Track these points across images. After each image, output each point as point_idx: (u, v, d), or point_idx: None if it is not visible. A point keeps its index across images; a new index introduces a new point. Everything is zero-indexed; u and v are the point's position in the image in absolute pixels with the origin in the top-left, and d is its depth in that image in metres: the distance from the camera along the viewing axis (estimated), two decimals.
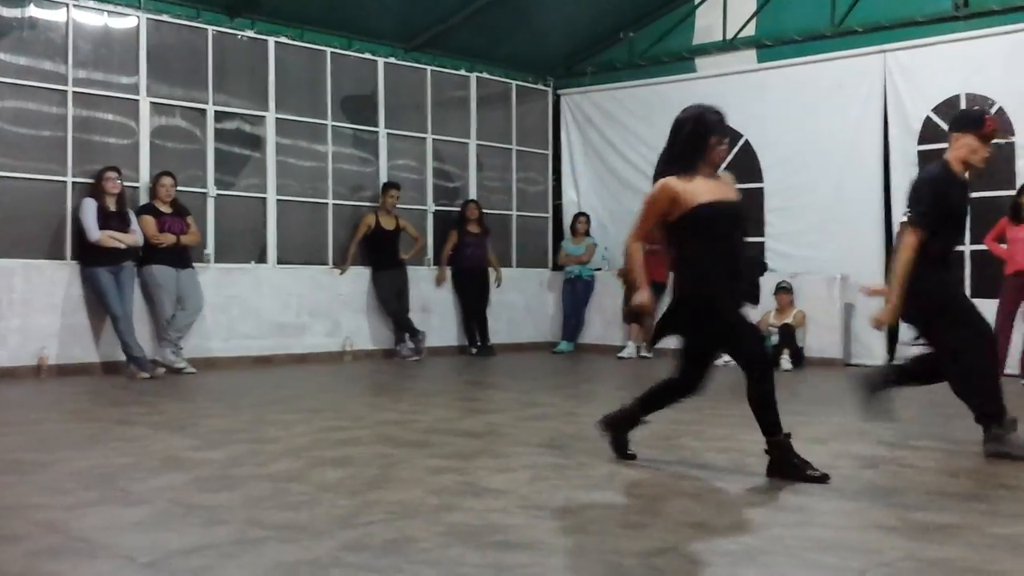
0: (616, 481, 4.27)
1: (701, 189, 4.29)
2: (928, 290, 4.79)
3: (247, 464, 4.60)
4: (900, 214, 9.29)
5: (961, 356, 4.77)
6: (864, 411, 5.28)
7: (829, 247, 10.01)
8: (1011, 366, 8.28)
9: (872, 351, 9.74)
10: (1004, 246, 8.50)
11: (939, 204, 4.77)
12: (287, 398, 7.14)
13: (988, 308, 8.30)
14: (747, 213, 4.57)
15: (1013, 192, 8.56)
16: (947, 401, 5.15)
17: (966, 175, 4.98)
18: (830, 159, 10.05)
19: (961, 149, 4.87)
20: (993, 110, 9.01)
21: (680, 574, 2.99)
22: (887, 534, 3.45)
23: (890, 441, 5.36)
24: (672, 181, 4.31)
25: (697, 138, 4.35)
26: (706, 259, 4.33)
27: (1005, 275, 8.40)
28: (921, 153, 9.53)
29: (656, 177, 4.41)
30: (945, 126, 9.33)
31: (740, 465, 4.58)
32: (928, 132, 9.51)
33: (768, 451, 4.28)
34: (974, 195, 8.89)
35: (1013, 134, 8.84)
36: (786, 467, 4.22)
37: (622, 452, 4.68)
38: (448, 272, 11.10)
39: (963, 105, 9.28)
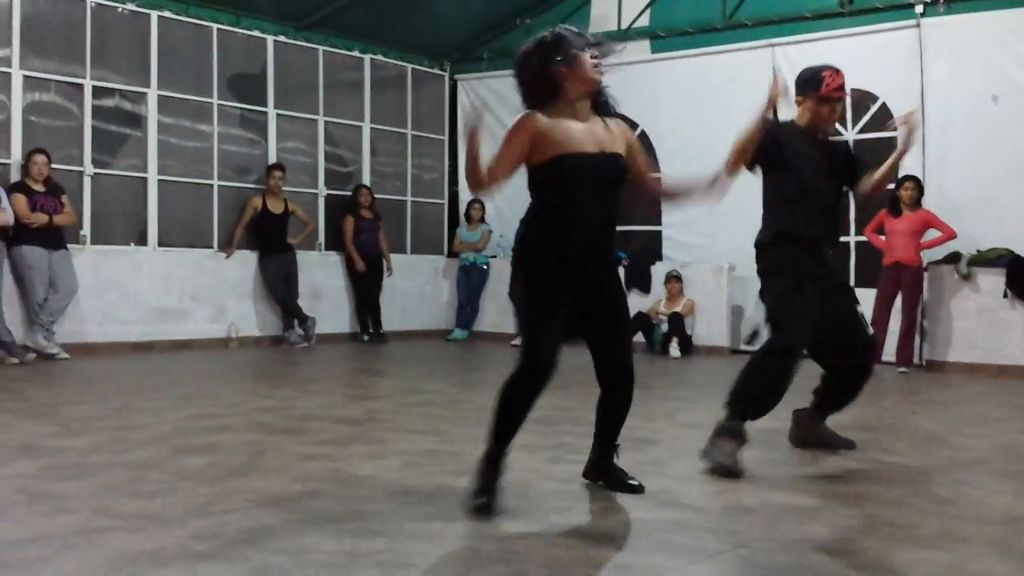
0: None
1: (568, 133, 3.46)
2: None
3: (106, 452, 4.40)
4: None
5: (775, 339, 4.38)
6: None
7: (721, 237, 10.12)
8: (888, 354, 8.56)
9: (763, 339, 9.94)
10: (883, 237, 8.74)
11: (766, 147, 4.39)
12: (161, 385, 6.89)
13: (867, 297, 8.61)
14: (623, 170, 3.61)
15: (892, 186, 8.80)
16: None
17: (819, 136, 4.59)
18: (721, 150, 10.11)
19: (804, 115, 4.54)
20: (875, 106, 9.25)
21: (537, 558, 2.94)
22: (745, 515, 3.48)
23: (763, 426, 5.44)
24: (538, 116, 3.47)
25: (544, 72, 3.48)
26: (553, 218, 3.51)
27: (883, 266, 8.66)
28: None
29: None
30: None
31: None
32: None
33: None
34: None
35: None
36: None
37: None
38: (342, 257, 10.89)
39: (848, 100, 9.49)
